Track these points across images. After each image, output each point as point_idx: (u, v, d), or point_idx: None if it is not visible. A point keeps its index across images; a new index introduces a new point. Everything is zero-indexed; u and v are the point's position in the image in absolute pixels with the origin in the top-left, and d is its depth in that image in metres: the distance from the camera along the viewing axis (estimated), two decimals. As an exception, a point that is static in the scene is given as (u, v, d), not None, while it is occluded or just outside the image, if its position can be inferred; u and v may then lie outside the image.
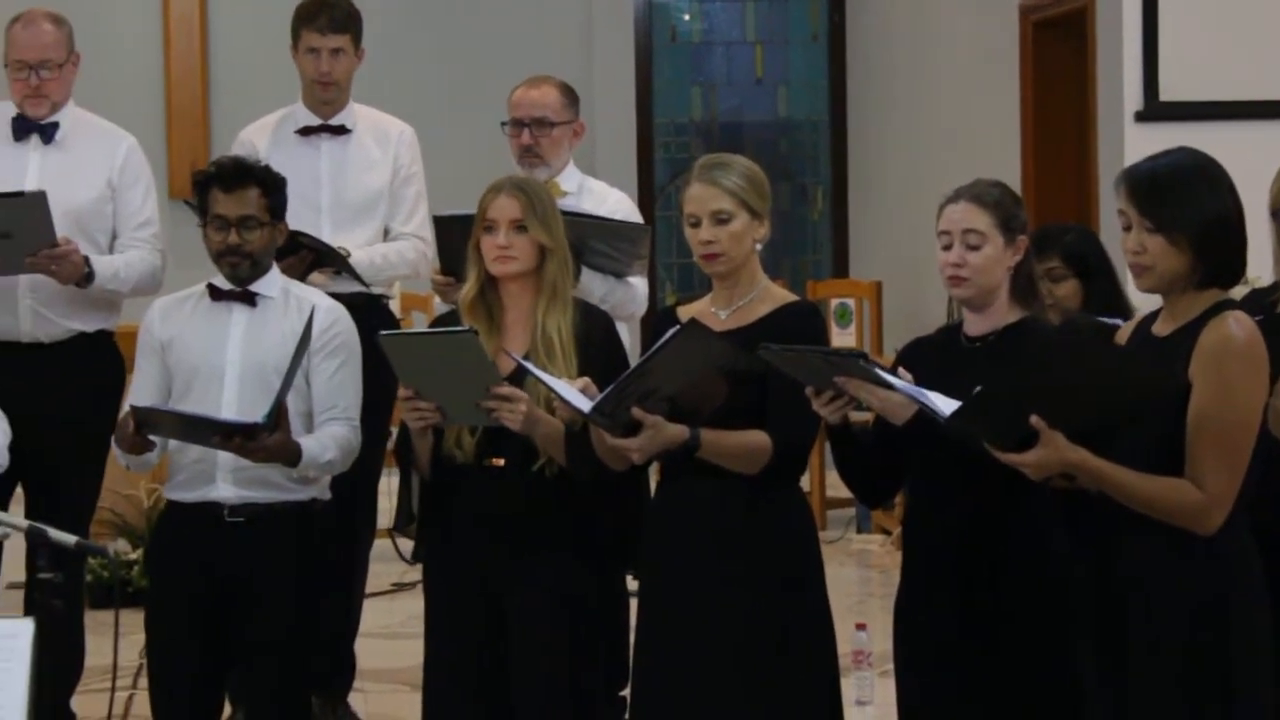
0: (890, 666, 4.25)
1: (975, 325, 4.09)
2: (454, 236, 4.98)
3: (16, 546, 4.53)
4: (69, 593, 3.85)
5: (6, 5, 6.11)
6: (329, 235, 5.70)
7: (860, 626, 6.24)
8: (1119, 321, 4.07)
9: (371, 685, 6.37)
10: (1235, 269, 3.66)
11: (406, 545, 4.82)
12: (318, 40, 5.82)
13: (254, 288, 4.76)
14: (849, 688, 5.62)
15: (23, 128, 5.60)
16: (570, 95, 5.70)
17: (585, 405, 4.13)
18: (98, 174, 5.61)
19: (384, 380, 4.54)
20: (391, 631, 7.20)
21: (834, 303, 9.78)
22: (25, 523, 3.91)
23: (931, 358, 4.10)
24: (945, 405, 3.65)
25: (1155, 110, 7.80)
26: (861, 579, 8.48)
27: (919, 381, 3.85)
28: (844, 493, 7.41)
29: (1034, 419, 3.52)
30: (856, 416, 4.00)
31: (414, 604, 4.73)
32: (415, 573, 4.83)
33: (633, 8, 11.11)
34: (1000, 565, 3.96)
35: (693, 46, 11.42)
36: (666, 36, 11.34)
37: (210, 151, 9.70)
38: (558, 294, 4.47)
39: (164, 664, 4.73)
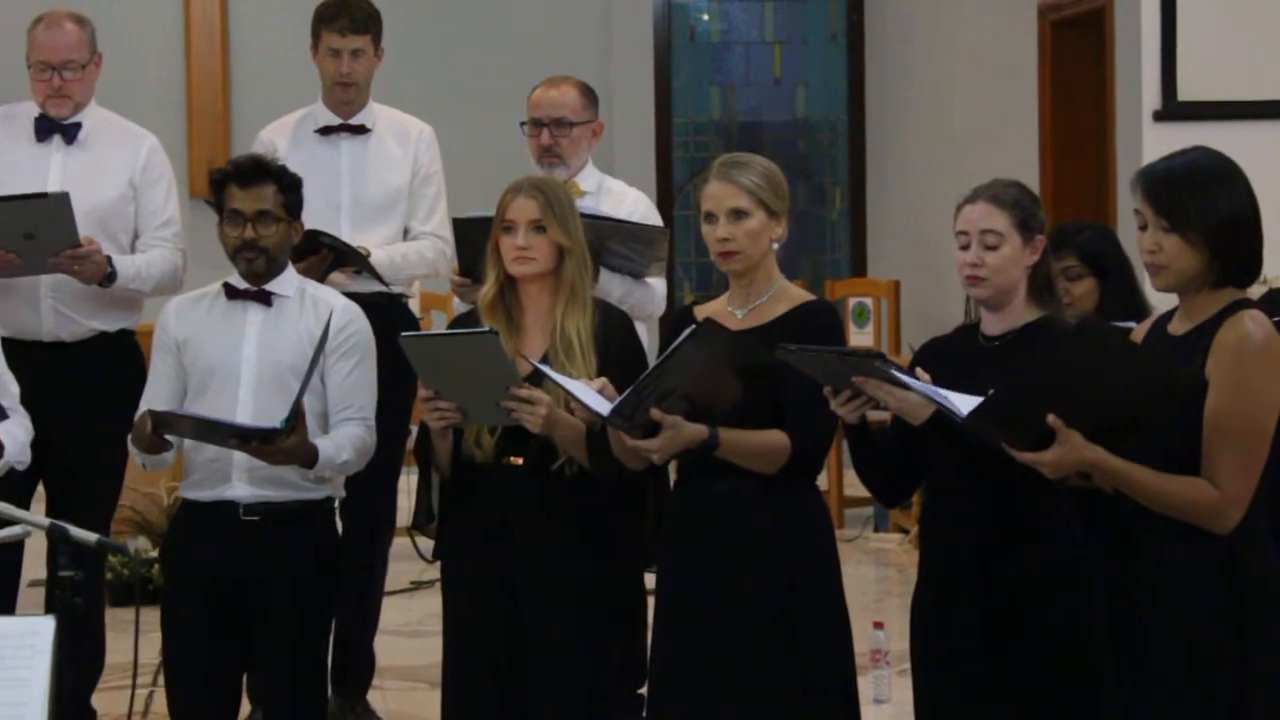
0: (908, 665, 4.26)
1: (993, 325, 4.10)
2: (473, 238, 4.99)
3: (38, 544, 4.54)
4: (90, 590, 3.87)
5: (30, 6, 6.14)
6: (348, 234, 5.72)
7: (878, 625, 6.24)
8: (1132, 325, 4.07)
9: (391, 683, 6.39)
10: (1251, 268, 3.66)
11: (426, 544, 4.84)
12: (338, 41, 5.83)
13: (269, 287, 4.77)
14: (866, 686, 5.64)
15: (45, 128, 5.62)
16: (589, 95, 5.72)
17: (604, 408, 4.14)
18: (120, 174, 5.63)
19: (404, 379, 4.56)
20: (411, 629, 7.22)
21: (852, 302, 9.79)
22: (46, 521, 3.93)
23: (949, 357, 4.11)
24: (963, 405, 3.65)
25: (1174, 110, 7.80)
26: (879, 578, 8.49)
27: (936, 381, 3.86)
28: (862, 491, 7.43)
29: (1051, 418, 3.52)
30: (874, 415, 4.01)
31: (433, 602, 4.74)
32: (434, 571, 4.84)
33: (651, 8, 11.11)
34: (1017, 564, 3.97)
35: (711, 46, 11.43)
36: (685, 36, 11.34)
37: (231, 151, 9.72)
38: (576, 294, 4.47)
39: (180, 663, 4.73)
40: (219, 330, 4.77)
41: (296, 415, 4.48)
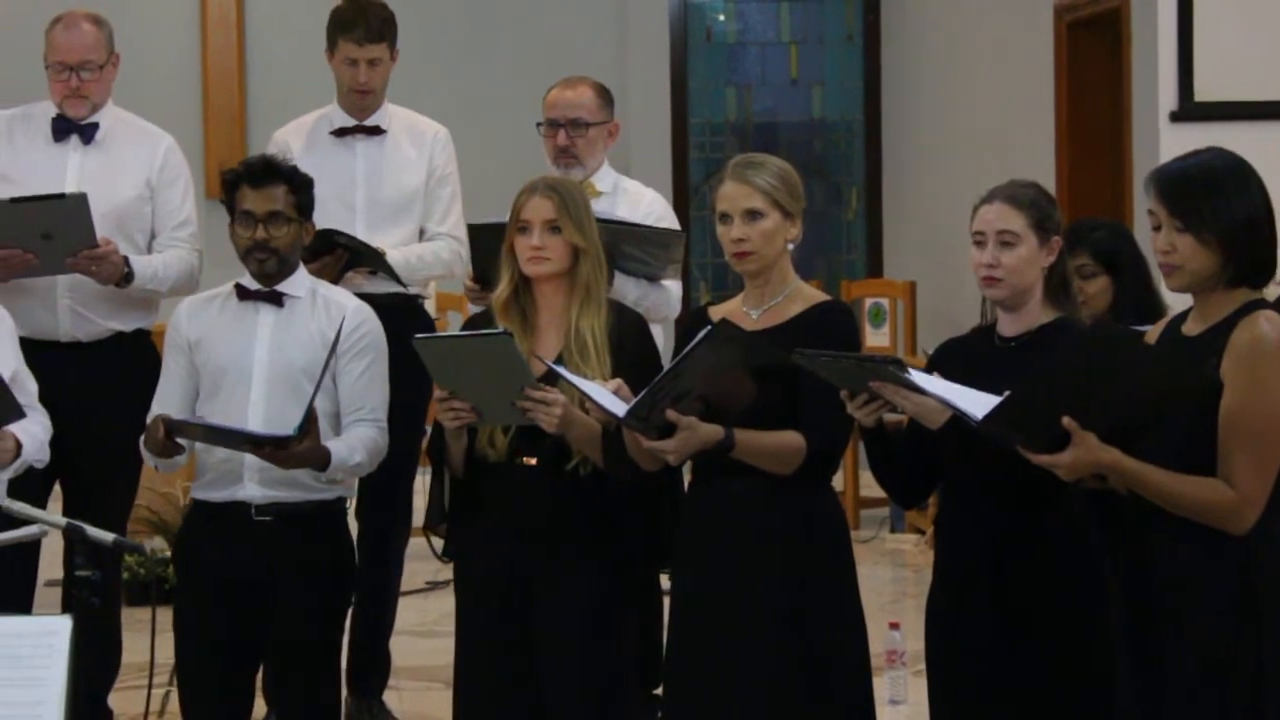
0: (924, 666, 4.25)
1: (1009, 326, 4.10)
2: (487, 244, 4.99)
3: (55, 544, 4.56)
4: (107, 590, 3.88)
5: (47, 6, 6.15)
6: (364, 236, 5.71)
7: (894, 626, 6.24)
8: (1147, 328, 4.07)
9: (407, 683, 6.40)
10: (1266, 268, 3.66)
11: (441, 544, 4.84)
12: (355, 51, 5.83)
13: (281, 288, 4.78)
14: (882, 687, 5.64)
15: (62, 128, 5.63)
16: (606, 96, 5.72)
17: (620, 410, 4.14)
18: (137, 174, 5.64)
19: (418, 380, 4.56)
20: (427, 629, 7.23)
21: (868, 303, 9.78)
22: (63, 520, 3.94)
23: (965, 358, 4.11)
24: (978, 408, 3.65)
25: (1190, 110, 7.78)
26: (895, 578, 8.49)
27: (952, 381, 3.85)
28: (878, 492, 7.43)
29: (1066, 420, 3.52)
30: (890, 417, 4.01)
31: (449, 602, 4.74)
32: (450, 570, 4.84)
33: (668, 8, 11.12)
34: (1032, 565, 3.97)
35: (728, 47, 11.43)
36: (702, 37, 11.34)
37: (247, 152, 9.72)
38: (591, 294, 4.48)
39: (192, 664, 4.74)
40: (231, 331, 4.77)
41: (309, 420, 4.49)
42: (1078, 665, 3.94)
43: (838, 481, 4.91)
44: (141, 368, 5.52)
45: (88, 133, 5.63)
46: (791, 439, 4.20)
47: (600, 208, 5.14)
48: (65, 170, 5.59)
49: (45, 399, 4.86)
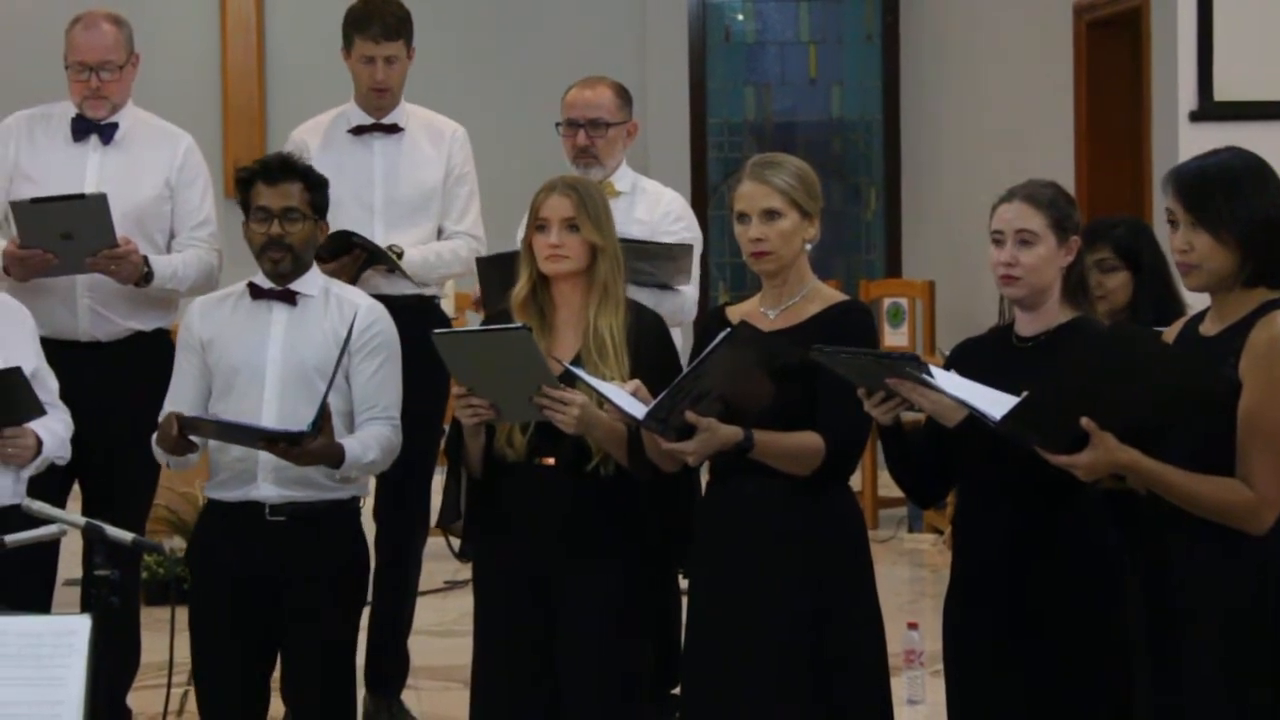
0: (942, 666, 4.25)
1: (1027, 325, 4.09)
2: (495, 277, 4.99)
3: (74, 543, 4.58)
4: (126, 589, 3.88)
5: (67, 6, 6.17)
6: (382, 234, 5.72)
7: (912, 625, 6.24)
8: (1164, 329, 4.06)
9: (425, 682, 6.40)
10: (1284, 268, 3.65)
11: (459, 544, 4.85)
12: (372, 49, 5.82)
13: (294, 286, 4.77)
14: (900, 687, 5.63)
15: (82, 128, 5.64)
16: (625, 96, 5.72)
17: (639, 412, 4.14)
18: (157, 174, 5.65)
19: (436, 379, 4.55)
20: (445, 629, 7.23)
21: (887, 302, 9.77)
22: (83, 520, 3.95)
23: (983, 357, 4.11)
24: (996, 408, 3.64)
25: (1210, 110, 7.77)
26: (913, 578, 8.48)
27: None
28: (895, 492, 7.41)
29: (1084, 421, 3.52)
30: (908, 416, 4.01)
31: (467, 601, 4.74)
32: (468, 570, 4.84)
33: (687, 8, 11.12)
34: (1049, 565, 3.96)
35: (746, 47, 11.42)
36: (720, 36, 11.34)
37: (266, 151, 9.68)
38: (609, 293, 4.48)
39: (209, 663, 4.74)
40: (243, 330, 4.77)
41: (323, 416, 4.49)
42: (1095, 666, 3.93)
43: (856, 481, 4.91)
44: (161, 367, 5.51)
45: (107, 133, 5.64)
46: (810, 440, 4.20)
47: (619, 207, 5.14)
48: (85, 170, 5.60)
49: (65, 398, 4.87)
